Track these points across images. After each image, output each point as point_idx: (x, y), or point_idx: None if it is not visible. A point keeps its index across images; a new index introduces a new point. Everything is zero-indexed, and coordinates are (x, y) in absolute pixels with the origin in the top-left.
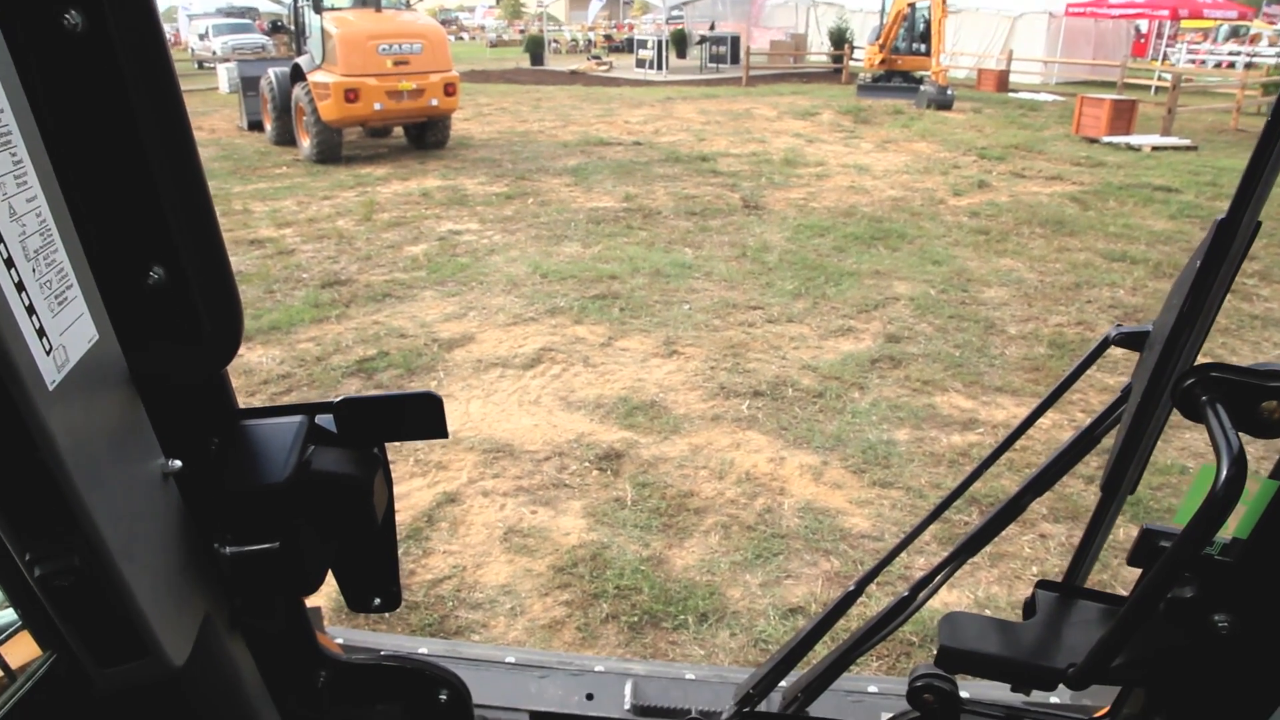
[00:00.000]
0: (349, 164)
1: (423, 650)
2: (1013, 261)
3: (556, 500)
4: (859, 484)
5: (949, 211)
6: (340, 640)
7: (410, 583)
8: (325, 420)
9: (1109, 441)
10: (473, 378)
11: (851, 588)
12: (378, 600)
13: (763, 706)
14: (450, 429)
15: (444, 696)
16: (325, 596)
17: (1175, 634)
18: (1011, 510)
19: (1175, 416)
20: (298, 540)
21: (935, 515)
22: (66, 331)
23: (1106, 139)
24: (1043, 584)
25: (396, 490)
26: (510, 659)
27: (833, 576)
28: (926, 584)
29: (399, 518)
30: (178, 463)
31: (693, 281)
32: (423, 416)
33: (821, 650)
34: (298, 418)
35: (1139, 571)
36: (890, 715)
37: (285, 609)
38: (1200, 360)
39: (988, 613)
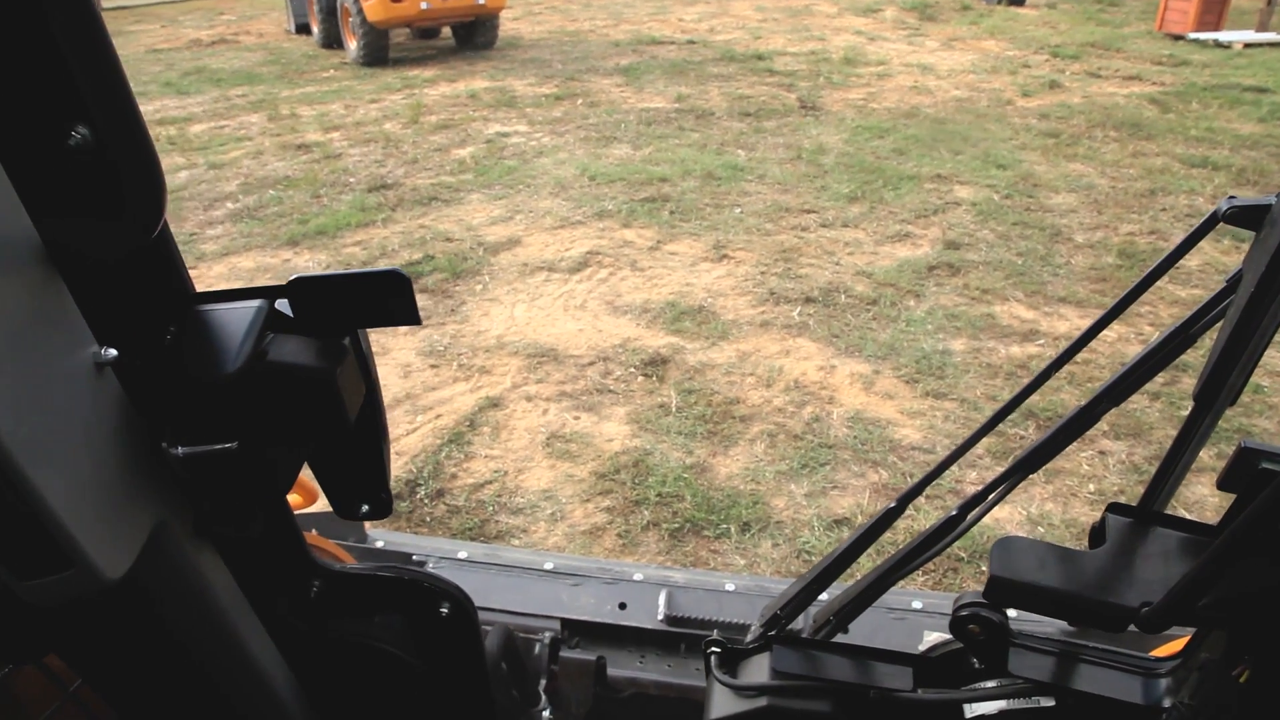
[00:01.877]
0: (396, 66)
1: (462, 554)
2: (1083, 166)
3: (600, 406)
4: (911, 394)
5: (1017, 113)
6: (380, 543)
7: (451, 486)
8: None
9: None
10: (518, 281)
11: (893, 504)
12: (366, 508)
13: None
14: (495, 333)
15: (445, 610)
16: None
17: (1269, 570)
18: (1083, 420)
19: None
20: (257, 439)
21: (990, 426)
22: None
23: (1193, 35)
24: (1114, 508)
25: (439, 395)
26: (548, 565)
27: (881, 488)
28: (977, 503)
29: (441, 422)
30: (112, 351)
31: (745, 184)
32: (388, 298)
33: (862, 566)
34: (255, 302)
35: (1200, 496)
36: (931, 641)
37: (264, 515)
38: None
39: (1040, 531)
